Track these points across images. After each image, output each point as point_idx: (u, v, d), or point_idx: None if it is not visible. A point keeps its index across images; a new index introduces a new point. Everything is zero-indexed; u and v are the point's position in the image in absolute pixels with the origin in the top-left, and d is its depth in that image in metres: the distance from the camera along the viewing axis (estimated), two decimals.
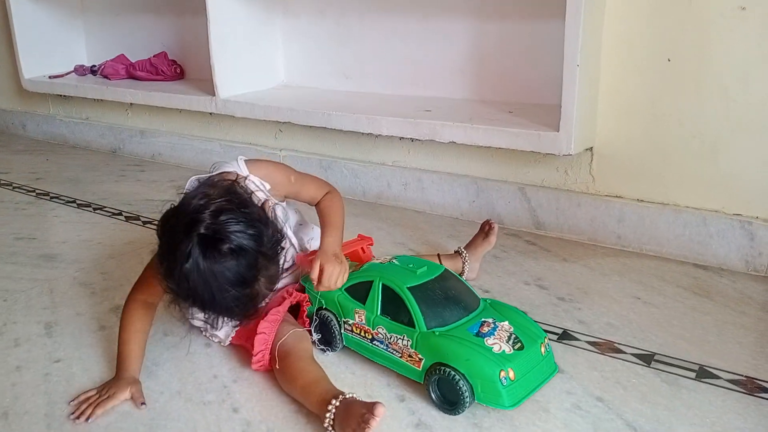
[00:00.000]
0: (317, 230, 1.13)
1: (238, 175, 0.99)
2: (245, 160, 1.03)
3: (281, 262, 0.95)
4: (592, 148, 1.41)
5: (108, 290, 1.25)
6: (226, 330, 1.04)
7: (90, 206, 1.77)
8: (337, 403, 0.83)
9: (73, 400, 0.92)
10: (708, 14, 1.23)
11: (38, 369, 1.01)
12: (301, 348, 0.96)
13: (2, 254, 1.45)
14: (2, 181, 2.03)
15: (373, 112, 1.61)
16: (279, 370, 0.94)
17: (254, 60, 1.95)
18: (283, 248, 0.96)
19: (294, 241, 1.09)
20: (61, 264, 1.39)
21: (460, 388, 0.85)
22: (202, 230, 0.84)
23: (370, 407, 0.79)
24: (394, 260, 1.03)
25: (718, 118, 1.27)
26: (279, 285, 1.11)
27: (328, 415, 0.83)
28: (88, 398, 0.92)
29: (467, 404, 0.86)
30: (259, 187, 1.01)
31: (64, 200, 1.82)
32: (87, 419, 0.88)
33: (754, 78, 1.22)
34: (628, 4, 1.31)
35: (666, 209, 1.35)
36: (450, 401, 0.88)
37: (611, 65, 1.35)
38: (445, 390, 0.88)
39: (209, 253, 0.84)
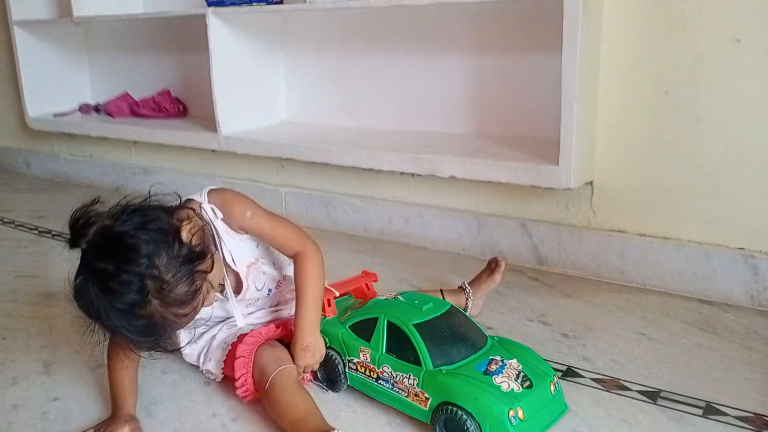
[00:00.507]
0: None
1: (193, 201, 0.98)
2: (209, 189, 1.01)
3: (198, 285, 0.88)
4: (592, 182, 1.41)
5: None
6: (214, 363, 1.03)
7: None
8: None
9: None
10: (704, 47, 1.25)
11: (36, 407, 1.00)
12: (285, 375, 0.94)
13: (3, 292, 1.45)
14: (5, 219, 2.03)
15: (374, 148, 1.62)
16: (266, 401, 0.93)
17: (256, 97, 1.98)
18: (201, 271, 0.89)
19: (267, 269, 1.06)
20: (61, 302, 1.37)
21: (467, 428, 0.83)
22: (83, 245, 0.82)
23: None
24: (399, 296, 1.02)
25: (718, 151, 1.27)
26: (268, 318, 1.10)
27: None
28: None
29: None
30: (210, 214, 0.98)
31: (66, 238, 1.82)
32: None
33: (752, 110, 1.23)
34: (625, 38, 1.32)
35: (668, 243, 1.34)
36: None
37: (609, 99, 1.36)
38: (453, 430, 0.86)
39: (92, 274, 0.82)
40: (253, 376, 0.97)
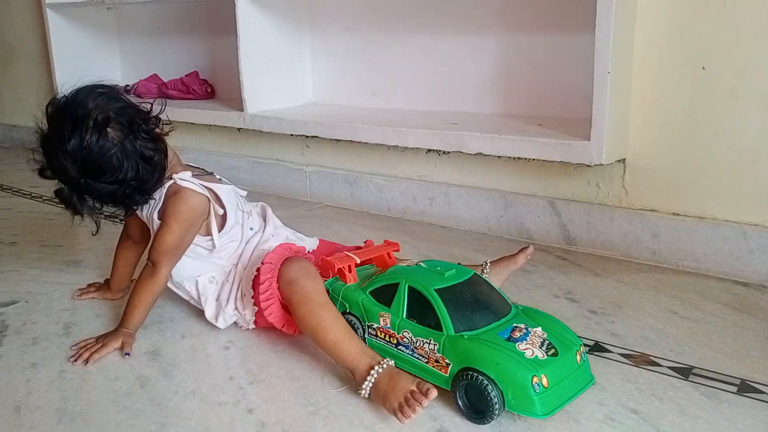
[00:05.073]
0: (282, 230, 1.18)
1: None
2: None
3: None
4: (624, 159, 1.37)
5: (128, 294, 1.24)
6: (249, 310, 1.06)
7: (117, 218, 1.77)
8: (380, 370, 0.84)
9: (73, 346, 1.03)
10: (743, 20, 1.20)
11: (54, 366, 0.99)
12: (318, 290, 0.96)
13: (28, 259, 1.46)
14: (33, 194, 2.06)
15: (399, 125, 1.59)
16: (300, 316, 0.94)
17: (283, 77, 1.97)
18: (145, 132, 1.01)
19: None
20: (84, 270, 1.39)
21: (488, 394, 0.81)
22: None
23: (421, 387, 0.81)
24: (421, 263, 0.99)
25: (756, 128, 1.22)
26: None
27: (369, 378, 0.85)
28: (87, 345, 1.02)
29: (496, 413, 0.81)
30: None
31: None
32: (86, 363, 0.98)
33: None
34: (661, 12, 1.28)
35: (703, 223, 1.29)
36: (478, 410, 0.83)
37: (643, 74, 1.32)
38: (474, 397, 0.84)
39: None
40: (279, 289, 0.98)
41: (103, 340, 1.03)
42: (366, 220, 1.72)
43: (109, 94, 1.01)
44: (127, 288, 1.22)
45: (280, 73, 1.96)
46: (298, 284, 0.95)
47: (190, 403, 0.89)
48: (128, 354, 1.01)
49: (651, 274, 1.31)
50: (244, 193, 1.16)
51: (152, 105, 1.05)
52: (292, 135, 1.85)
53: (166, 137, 1.06)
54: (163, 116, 1.07)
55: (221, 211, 1.08)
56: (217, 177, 1.14)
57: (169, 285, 1.10)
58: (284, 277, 0.97)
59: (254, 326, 1.08)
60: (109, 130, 0.98)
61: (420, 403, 0.80)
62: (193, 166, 1.13)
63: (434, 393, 0.81)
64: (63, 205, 1.03)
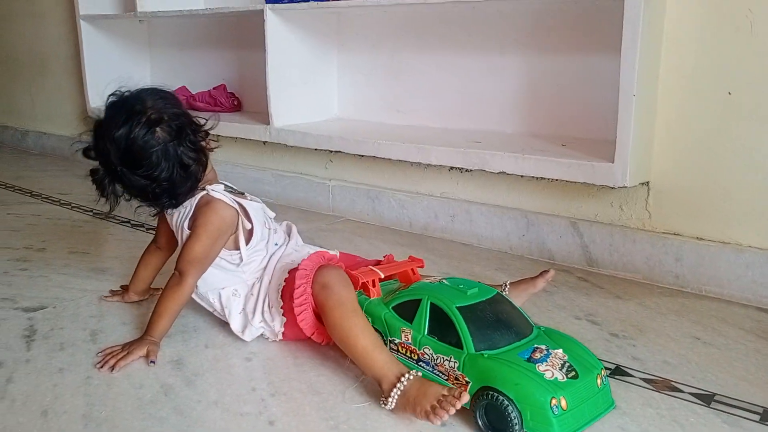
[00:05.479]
0: (303, 248, 1.19)
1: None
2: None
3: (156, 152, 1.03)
4: (648, 182, 1.37)
5: (154, 302, 1.26)
6: (278, 321, 1.07)
7: (143, 226, 1.81)
8: (411, 377, 0.87)
9: (100, 352, 1.06)
10: None
11: (80, 372, 1.01)
12: (352, 298, 0.97)
13: (56, 266, 1.49)
14: (62, 201, 2.10)
15: (423, 142, 1.61)
16: (332, 319, 0.95)
17: (309, 92, 1.99)
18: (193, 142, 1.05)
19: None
20: (111, 277, 1.42)
21: (509, 414, 0.81)
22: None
23: (453, 391, 0.83)
24: (444, 280, 1.00)
25: None
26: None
27: (398, 385, 0.87)
28: (113, 352, 1.04)
29: None
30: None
31: (119, 220, 1.87)
32: (111, 370, 1.00)
33: None
34: (687, 34, 1.28)
35: (727, 248, 1.29)
36: (498, 430, 0.84)
37: (668, 97, 1.32)
38: (493, 417, 0.84)
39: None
40: (313, 294, 1.00)
41: (128, 347, 1.05)
42: (387, 236, 1.73)
43: (168, 99, 1.07)
44: (144, 292, 1.27)
45: (307, 87, 1.99)
46: (332, 289, 0.97)
47: (213, 412, 0.91)
48: (153, 362, 1.03)
49: (674, 299, 1.30)
50: (273, 214, 1.19)
51: (207, 120, 1.10)
52: (316, 149, 1.88)
53: (210, 152, 1.10)
54: (214, 132, 1.11)
55: (249, 226, 1.10)
56: (248, 197, 1.16)
57: (193, 296, 1.12)
58: (319, 281, 0.99)
59: (281, 338, 1.09)
60: (158, 129, 1.02)
61: (453, 405, 0.81)
62: (227, 185, 1.16)
63: (467, 397, 0.82)
64: (93, 184, 1.08)
